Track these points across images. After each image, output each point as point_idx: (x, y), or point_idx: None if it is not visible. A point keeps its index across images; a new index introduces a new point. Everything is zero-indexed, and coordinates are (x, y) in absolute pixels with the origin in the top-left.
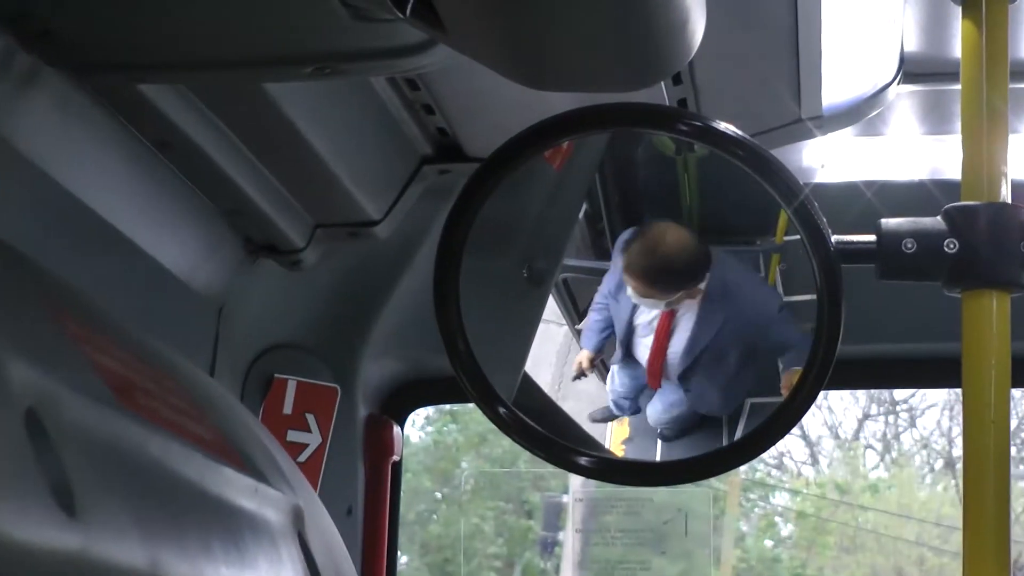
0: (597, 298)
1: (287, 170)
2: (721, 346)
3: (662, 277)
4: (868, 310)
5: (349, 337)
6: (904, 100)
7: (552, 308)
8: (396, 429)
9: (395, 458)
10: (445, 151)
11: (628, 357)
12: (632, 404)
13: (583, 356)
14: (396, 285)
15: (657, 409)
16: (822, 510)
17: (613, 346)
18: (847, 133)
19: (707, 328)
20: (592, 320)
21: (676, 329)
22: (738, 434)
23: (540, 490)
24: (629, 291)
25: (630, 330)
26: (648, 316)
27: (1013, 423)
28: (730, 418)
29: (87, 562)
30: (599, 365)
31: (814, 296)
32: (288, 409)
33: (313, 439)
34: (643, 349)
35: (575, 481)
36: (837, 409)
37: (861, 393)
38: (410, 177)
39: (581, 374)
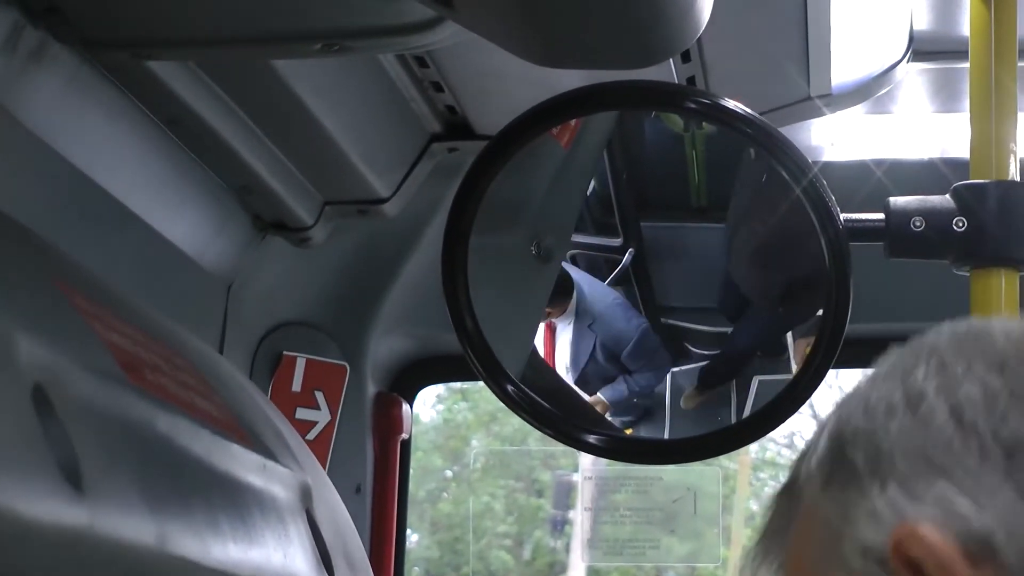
0: None
1: (296, 147)
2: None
3: None
4: (877, 289)
5: (358, 314)
6: (914, 78)
7: None
8: (405, 407)
9: (404, 436)
10: (454, 129)
11: None
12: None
13: None
14: (405, 262)
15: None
16: None
17: None
18: (856, 111)
19: (582, 340)
20: None
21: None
22: (747, 412)
23: (551, 468)
24: None
25: None
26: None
27: None
28: (738, 396)
29: (94, 537)
30: None
31: None
32: (297, 387)
33: (322, 417)
34: None
35: (585, 460)
36: (848, 388)
37: None
38: (419, 155)
39: None
